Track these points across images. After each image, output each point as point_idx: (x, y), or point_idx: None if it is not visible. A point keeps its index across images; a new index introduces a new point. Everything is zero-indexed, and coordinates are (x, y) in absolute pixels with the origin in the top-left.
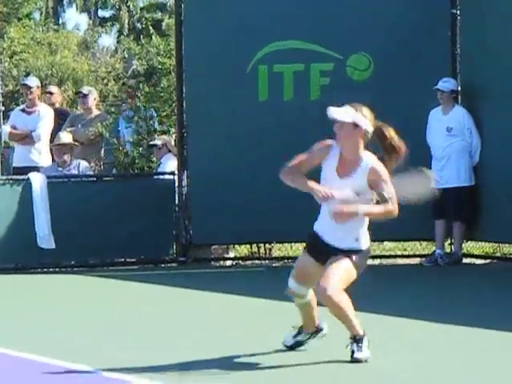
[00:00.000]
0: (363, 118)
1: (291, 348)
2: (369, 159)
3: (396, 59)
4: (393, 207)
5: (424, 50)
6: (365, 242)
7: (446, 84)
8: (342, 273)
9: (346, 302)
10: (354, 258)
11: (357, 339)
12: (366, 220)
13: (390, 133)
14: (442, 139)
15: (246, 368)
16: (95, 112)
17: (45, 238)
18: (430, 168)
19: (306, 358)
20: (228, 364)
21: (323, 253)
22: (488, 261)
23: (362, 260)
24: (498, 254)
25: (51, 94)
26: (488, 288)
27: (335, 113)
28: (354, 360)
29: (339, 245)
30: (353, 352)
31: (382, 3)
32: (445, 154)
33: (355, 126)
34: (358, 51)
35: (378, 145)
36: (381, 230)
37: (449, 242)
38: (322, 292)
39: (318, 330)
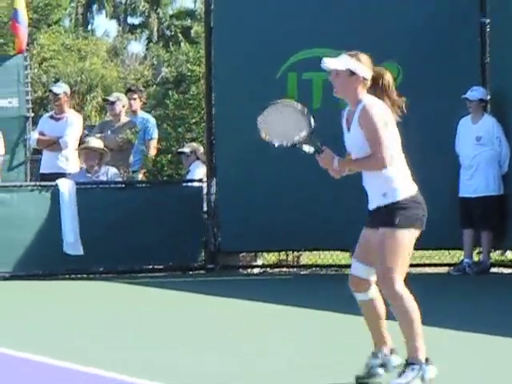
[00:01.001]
0: (359, 64)
1: (364, 379)
2: (365, 100)
3: (425, 67)
4: (374, 160)
5: (453, 58)
6: (397, 194)
7: (474, 93)
8: (384, 256)
9: (408, 297)
10: (391, 223)
11: (410, 363)
12: (394, 171)
13: (388, 79)
14: (471, 148)
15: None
16: (124, 119)
17: (72, 244)
18: (459, 177)
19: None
20: (252, 371)
21: (369, 218)
22: None
23: (400, 216)
24: None
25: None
26: None
27: (328, 62)
28: None
29: (372, 206)
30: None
31: (410, 12)
32: (474, 163)
33: (351, 73)
34: (387, 59)
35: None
36: None
37: (477, 251)
38: (378, 277)
39: (391, 354)
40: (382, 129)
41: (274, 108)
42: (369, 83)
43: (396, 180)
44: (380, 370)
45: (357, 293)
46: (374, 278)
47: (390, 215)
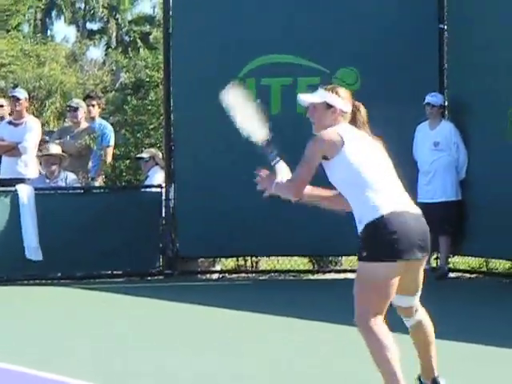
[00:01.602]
0: (336, 97)
1: None
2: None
3: (383, 73)
4: (290, 184)
5: (411, 64)
6: (366, 219)
7: (435, 98)
8: (358, 290)
9: (376, 338)
10: (361, 255)
11: None
12: (363, 195)
13: (363, 112)
14: (429, 154)
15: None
16: (83, 125)
17: (33, 249)
18: (417, 182)
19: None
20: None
21: None
22: (474, 275)
23: (368, 248)
24: (484, 269)
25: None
26: (474, 302)
27: (305, 97)
28: None
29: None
30: None
31: (369, 17)
32: (431, 169)
33: (328, 105)
34: (346, 65)
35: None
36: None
37: (435, 256)
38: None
39: (435, 382)
40: (312, 156)
41: (241, 96)
42: (348, 116)
43: (369, 201)
44: None
45: (405, 318)
46: (416, 302)
47: (361, 246)
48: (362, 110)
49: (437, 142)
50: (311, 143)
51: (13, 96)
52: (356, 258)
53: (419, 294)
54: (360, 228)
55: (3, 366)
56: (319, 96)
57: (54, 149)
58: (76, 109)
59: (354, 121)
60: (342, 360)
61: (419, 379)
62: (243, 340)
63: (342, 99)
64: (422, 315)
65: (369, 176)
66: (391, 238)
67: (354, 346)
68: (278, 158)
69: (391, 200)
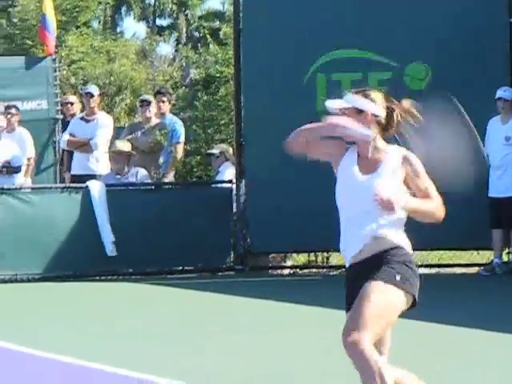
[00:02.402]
0: (367, 100)
1: None
2: (395, 148)
3: (453, 68)
4: (441, 205)
5: (482, 59)
6: (405, 248)
7: (507, 93)
8: (374, 313)
9: (373, 363)
10: (394, 275)
11: None
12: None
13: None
14: (500, 148)
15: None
16: (154, 120)
17: (111, 245)
18: (488, 177)
19: None
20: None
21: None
22: None
23: (405, 275)
24: None
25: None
26: None
27: (332, 104)
28: None
29: (371, 252)
30: None
31: (440, 12)
32: (502, 164)
33: (359, 111)
34: (416, 60)
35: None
36: (437, 239)
37: (506, 251)
38: (344, 343)
39: None
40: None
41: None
42: (382, 120)
43: (404, 236)
44: None
45: None
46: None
47: (392, 268)
48: (396, 112)
49: (508, 137)
50: (421, 165)
51: (87, 92)
52: (426, 252)
53: None
54: (393, 248)
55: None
56: (348, 101)
57: (122, 145)
58: (148, 104)
59: (388, 124)
60: (415, 354)
61: None
62: (316, 336)
63: (373, 103)
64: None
65: None
66: (417, 279)
67: (426, 342)
68: None
69: None
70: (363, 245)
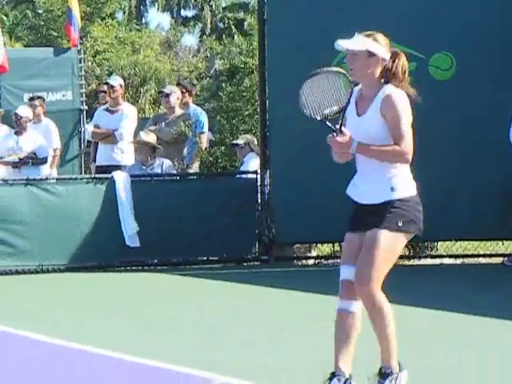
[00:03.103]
0: (378, 44)
1: None
2: (387, 88)
3: (478, 59)
4: (400, 149)
5: (508, 49)
6: (404, 190)
7: None
8: (376, 258)
9: (386, 308)
10: (394, 224)
11: (387, 373)
12: (400, 166)
13: (404, 63)
14: None
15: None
16: (178, 111)
17: (131, 236)
18: None
19: None
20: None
21: (358, 219)
22: None
23: (403, 219)
24: None
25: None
26: None
27: (345, 43)
28: None
29: (368, 199)
30: None
31: (465, 2)
32: None
33: (370, 54)
34: (441, 50)
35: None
36: (461, 229)
37: None
38: (357, 285)
39: (351, 380)
40: (408, 121)
41: (323, 74)
42: (388, 65)
43: (405, 175)
44: None
45: (342, 300)
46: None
47: (393, 215)
48: (403, 60)
49: None
50: (401, 102)
51: (107, 83)
52: (451, 242)
53: None
54: (389, 195)
55: (100, 352)
56: (361, 43)
57: (145, 136)
58: (168, 94)
59: (390, 70)
60: (435, 348)
61: (335, 375)
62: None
63: (382, 46)
64: (358, 309)
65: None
66: (421, 214)
67: (447, 333)
68: (344, 128)
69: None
70: (367, 194)
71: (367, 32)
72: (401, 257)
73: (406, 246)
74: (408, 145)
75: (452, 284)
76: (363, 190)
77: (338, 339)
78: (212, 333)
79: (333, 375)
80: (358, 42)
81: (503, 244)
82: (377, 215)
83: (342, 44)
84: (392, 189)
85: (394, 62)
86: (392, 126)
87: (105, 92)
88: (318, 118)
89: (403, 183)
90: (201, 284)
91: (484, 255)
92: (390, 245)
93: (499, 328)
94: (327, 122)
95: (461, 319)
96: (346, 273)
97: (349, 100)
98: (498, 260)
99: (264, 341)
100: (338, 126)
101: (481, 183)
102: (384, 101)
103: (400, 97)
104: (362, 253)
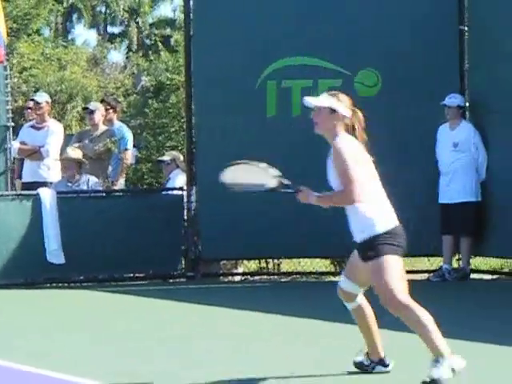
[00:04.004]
0: (340, 103)
1: (356, 366)
2: (338, 138)
3: (404, 75)
4: (344, 194)
5: (432, 65)
6: (374, 230)
7: (452, 99)
8: (385, 283)
9: (416, 306)
10: (371, 255)
11: (436, 360)
12: (367, 206)
13: (360, 117)
14: (449, 154)
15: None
16: (102, 128)
17: (54, 253)
18: (438, 183)
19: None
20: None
21: (356, 248)
22: (496, 276)
23: (380, 246)
24: (506, 270)
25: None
26: (494, 303)
27: (312, 100)
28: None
29: (355, 239)
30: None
31: (389, 19)
32: (451, 169)
33: (332, 110)
34: (366, 67)
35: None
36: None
37: (457, 257)
38: (384, 302)
39: (382, 362)
40: (351, 165)
41: (240, 166)
42: (348, 121)
43: (371, 216)
44: (367, 369)
45: (346, 303)
46: (359, 291)
47: (373, 249)
48: (360, 115)
49: (456, 143)
50: (343, 151)
51: (32, 100)
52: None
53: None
54: (362, 237)
55: (26, 369)
56: (325, 101)
57: (72, 153)
58: (92, 111)
59: (352, 126)
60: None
61: (367, 356)
62: (266, 342)
63: (344, 105)
64: (361, 300)
65: (374, 189)
66: (401, 240)
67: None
68: (300, 186)
69: (389, 212)
70: (354, 235)
71: (331, 92)
72: (327, 273)
73: (332, 263)
74: (351, 187)
75: (378, 300)
76: (352, 231)
77: (362, 332)
78: (135, 345)
79: (367, 354)
80: (322, 100)
81: (429, 260)
82: (361, 252)
83: (310, 101)
84: (362, 231)
85: (353, 117)
86: (338, 172)
87: (31, 109)
88: (269, 189)
89: (371, 224)
90: (126, 301)
91: (410, 271)
92: (377, 270)
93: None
94: (283, 190)
95: (387, 335)
96: (342, 283)
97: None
98: (424, 276)
99: (188, 353)
100: (293, 187)
101: (407, 198)
102: (333, 151)
103: (343, 145)
104: (372, 284)
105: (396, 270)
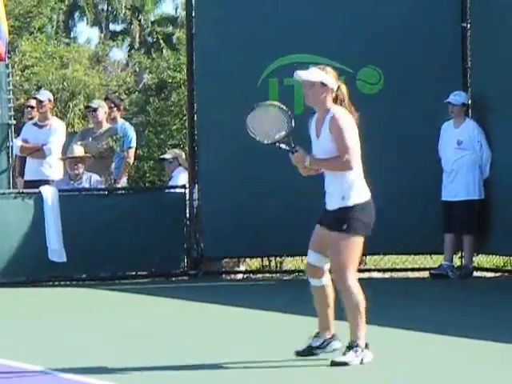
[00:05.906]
0: (329, 76)
1: (302, 354)
2: (333, 110)
3: (406, 72)
4: (341, 161)
5: (434, 63)
6: (354, 199)
7: (457, 97)
8: (339, 258)
9: (359, 291)
10: (340, 227)
11: (354, 345)
12: (354, 176)
13: (344, 91)
14: (452, 152)
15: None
16: (106, 126)
17: (56, 251)
18: (441, 181)
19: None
20: (237, 375)
21: (324, 217)
22: (499, 274)
23: (354, 221)
24: (509, 267)
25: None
26: (498, 301)
27: (304, 74)
28: (336, 363)
29: (329, 206)
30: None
31: (392, 17)
32: (454, 168)
33: (322, 84)
34: (368, 65)
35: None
36: (390, 243)
37: (459, 255)
38: (334, 277)
39: (335, 337)
40: (349, 134)
41: (262, 107)
42: (335, 94)
43: (355, 185)
44: (318, 351)
45: (312, 279)
46: (327, 267)
47: (346, 221)
48: (343, 88)
49: (460, 141)
50: (342, 120)
51: (35, 98)
52: (379, 256)
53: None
54: (340, 203)
55: (27, 368)
56: (316, 75)
57: (78, 151)
58: (96, 109)
59: (336, 97)
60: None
61: (317, 336)
62: (268, 340)
63: (332, 78)
64: (327, 280)
65: (358, 160)
66: (369, 218)
67: (381, 346)
68: (297, 147)
69: (366, 186)
70: (328, 201)
71: (320, 65)
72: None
73: None
74: (349, 154)
75: (380, 298)
76: (326, 198)
77: (318, 310)
78: (136, 344)
79: (317, 334)
80: (313, 74)
81: (431, 258)
82: (332, 219)
83: (301, 74)
84: (343, 197)
85: (338, 91)
86: (336, 140)
87: (31, 107)
88: (269, 143)
89: (353, 192)
90: (128, 298)
91: (412, 269)
92: (342, 244)
93: (427, 341)
94: (281, 145)
95: (388, 333)
96: (311, 258)
97: (291, 123)
98: (426, 274)
99: (189, 351)
100: (292, 145)
101: (410, 196)
102: (330, 120)
103: (342, 116)
104: (329, 252)
105: (356, 252)
